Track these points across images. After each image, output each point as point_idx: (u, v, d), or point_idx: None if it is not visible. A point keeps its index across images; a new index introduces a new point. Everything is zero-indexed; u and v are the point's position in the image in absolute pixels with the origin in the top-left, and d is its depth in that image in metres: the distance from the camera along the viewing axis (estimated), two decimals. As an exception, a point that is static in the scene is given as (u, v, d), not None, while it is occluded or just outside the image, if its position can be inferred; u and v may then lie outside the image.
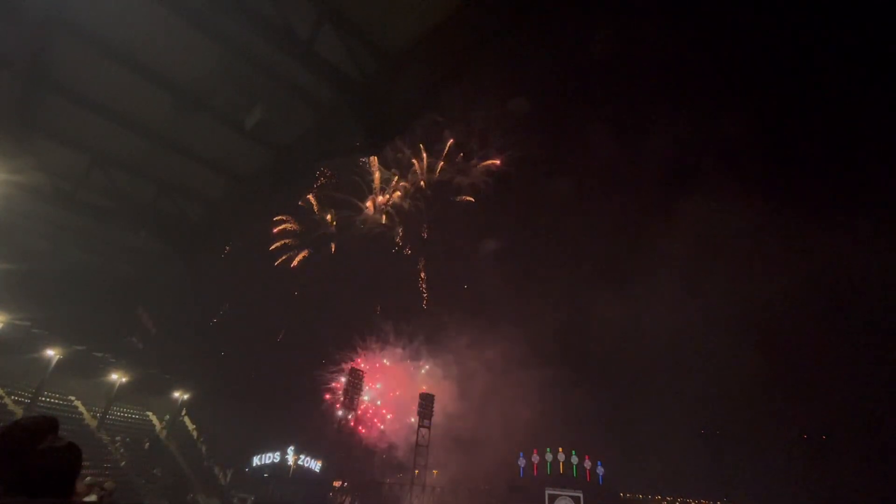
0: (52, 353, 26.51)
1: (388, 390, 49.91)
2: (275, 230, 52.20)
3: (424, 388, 40.36)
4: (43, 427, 1.94)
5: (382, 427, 48.23)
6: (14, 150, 13.56)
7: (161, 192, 16.57)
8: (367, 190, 58.69)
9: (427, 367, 51.29)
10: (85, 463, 1.91)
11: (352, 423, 38.55)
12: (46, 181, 15.19)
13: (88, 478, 10.68)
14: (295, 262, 55.83)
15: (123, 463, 27.70)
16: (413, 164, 59.73)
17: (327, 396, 48.35)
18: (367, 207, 58.37)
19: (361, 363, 48.97)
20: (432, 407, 36.37)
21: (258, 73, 12.00)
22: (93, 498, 9.01)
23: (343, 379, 45.80)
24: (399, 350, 52.93)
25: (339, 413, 37.10)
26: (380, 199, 58.92)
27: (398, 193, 59.58)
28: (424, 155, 59.93)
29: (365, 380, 47.09)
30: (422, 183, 60.49)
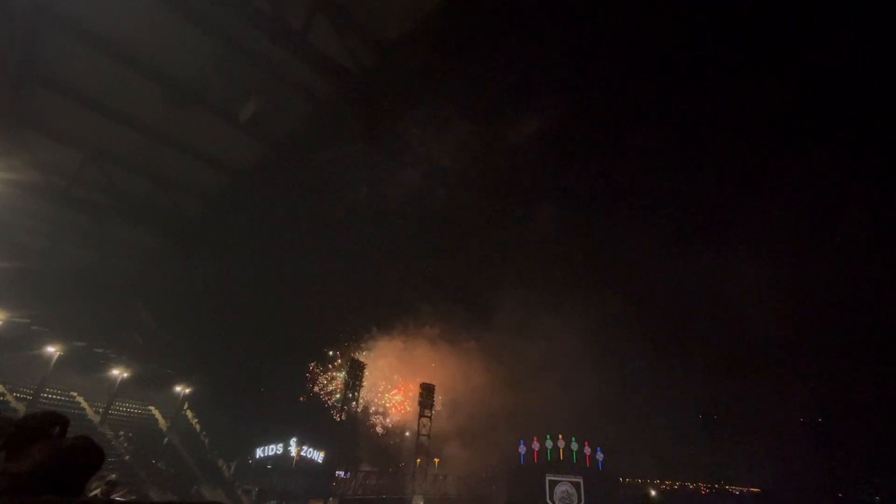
0: (52, 350, 26.55)
1: (400, 376, 49.52)
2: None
3: (425, 378, 40.66)
4: (53, 422, 1.97)
5: (391, 414, 48.43)
6: (7, 147, 13.45)
7: (157, 187, 16.50)
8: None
9: (433, 352, 50.86)
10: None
11: (356, 413, 38.86)
12: (41, 178, 15.09)
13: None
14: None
15: (127, 457, 27.92)
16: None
17: (323, 390, 48.24)
18: None
19: (364, 352, 48.97)
20: (433, 397, 36.66)
21: (252, 65, 11.88)
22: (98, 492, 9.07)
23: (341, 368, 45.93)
24: (410, 333, 51.77)
25: (342, 405, 37.39)
26: None
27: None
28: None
29: (377, 367, 47.10)
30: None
